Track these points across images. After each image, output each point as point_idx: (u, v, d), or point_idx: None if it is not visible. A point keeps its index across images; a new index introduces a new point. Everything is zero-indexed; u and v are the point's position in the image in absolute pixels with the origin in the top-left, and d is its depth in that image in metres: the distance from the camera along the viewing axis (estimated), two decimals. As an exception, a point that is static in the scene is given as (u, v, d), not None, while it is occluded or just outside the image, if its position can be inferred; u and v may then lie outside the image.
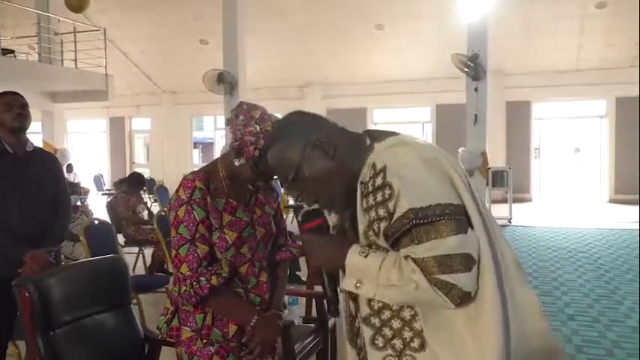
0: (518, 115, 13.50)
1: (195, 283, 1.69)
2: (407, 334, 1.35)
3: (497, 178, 10.04)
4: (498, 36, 10.25)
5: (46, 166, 2.84)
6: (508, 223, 9.63)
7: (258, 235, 1.85)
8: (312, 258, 1.43)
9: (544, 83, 12.91)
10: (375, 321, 1.38)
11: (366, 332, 1.40)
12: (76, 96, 12.14)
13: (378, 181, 1.32)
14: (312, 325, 3.07)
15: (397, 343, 1.36)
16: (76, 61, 11.53)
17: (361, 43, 12.96)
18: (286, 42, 12.98)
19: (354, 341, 1.48)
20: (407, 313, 1.35)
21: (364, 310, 1.40)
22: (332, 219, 1.52)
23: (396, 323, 1.36)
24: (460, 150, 9.42)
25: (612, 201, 12.84)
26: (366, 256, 1.33)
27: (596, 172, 13.70)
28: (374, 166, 1.34)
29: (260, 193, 1.90)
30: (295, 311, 3.42)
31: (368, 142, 1.41)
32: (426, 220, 1.25)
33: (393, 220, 1.28)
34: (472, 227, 1.30)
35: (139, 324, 2.34)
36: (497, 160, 12.03)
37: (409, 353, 1.34)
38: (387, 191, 1.30)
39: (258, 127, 1.71)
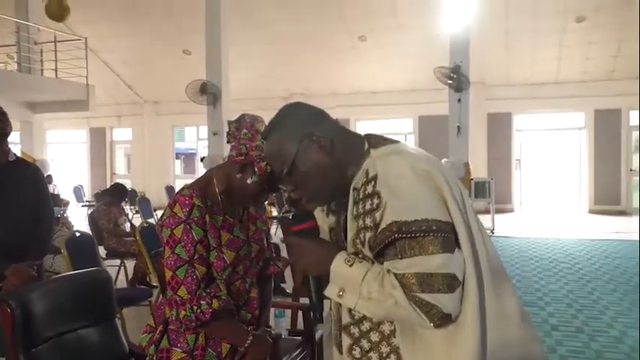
0: (499, 127, 13.66)
1: (195, 307, 1.62)
2: (384, 349, 1.33)
3: (480, 189, 10.12)
4: (479, 48, 10.37)
5: (29, 177, 2.78)
6: (491, 234, 9.69)
7: (252, 252, 1.81)
8: (298, 261, 1.39)
9: (524, 95, 13.10)
10: (355, 331, 1.37)
11: (345, 341, 1.39)
12: (56, 106, 11.97)
13: (369, 189, 1.30)
14: (299, 338, 3.04)
15: (373, 356, 1.34)
16: (56, 70, 11.39)
17: (344, 55, 13.03)
18: (269, 53, 13.00)
19: (340, 346, 1.45)
20: (386, 328, 1.32)
21: (345, 318, 1.38)
22: (329, 220, 1.50)
23: (374, 336, 1.34)
24: (443, 161, 9.47)
25: (592, 211, 13.02)
26: (350, 265, 1.29)
27: (575, 182, 13.88)
28: (367, 172, 1.32)
29: (252, 208, 1.86)
30: (282, 324, 3.39)
31: (366, 146, 1.38)
32: (409, 235, 1.22)
33: (378, 231, 1.26)
34: (459, 246, 1.26)
35: (124, 339, 2.29)
36: (479, 171, 12.15)
37: None
38: (376, 201, 1.27)
39: (265, 141, 1.68)
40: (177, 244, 1.63)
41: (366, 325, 1.35)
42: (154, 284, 5.49)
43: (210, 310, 1.63)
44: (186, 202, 1.66)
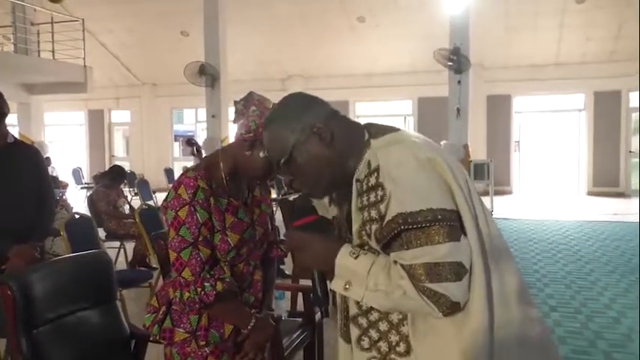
0: (498, 109, 13.61)
1: (199, 289, 1.62)
2: (393, 338, 1.33)
3: (479, 171, 10.12)
4: (479, 30, 10.29)
5: (28, 159, 2.76)
6: (489, 216, 9.69)
7: (257, 235, 1.81)
8: (301, 257, 1.38)
9: (524, 77, 13.03)
10: (363, 321, 1.37)
11: (353, 331, 1.39)
12: (53, 88, 11.91)
13: (372, 180, 1.29)
14: (300, 320, 3.05)
15: (383, 345, 1.34)
16: (53, 52, 11.31)
17: (343, 36, 12.93)
18: (268, 34, 12.89)
19: (347, 336, 1.46)
20: (395, 317, 1.32)
21: (352, 310, 1.38)
22: (332, 210, 1.49)
23: (383, 325, 1.34)
24: (442, 143, 9.47)
25: (590, 193, 13.03)
26: (356, 258, 1.29)
27: (574, 164, 13.88)
28: (369, 164, 1.31)
29: (256, 191, 1.85)
30: (282, 305, 3.40)
31: (366, 136, 1.37)
32: (415, 226, 1.21)
33: (384, 223, 1.25)
34: (465, 233, 1.25)
35: (125, 320, 2.30)
36: (478, 153, 12.13)
37: (394, 357, 1.33)
38: (380, 193, 1.26)
39: None
40: (181, 225, 1.63)
41: (374, 315, 1.35)
42: (154, 266, 5.51)
43: (214, 293, 1.63)
44: (191, 183, 1.65)
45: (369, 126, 1.40)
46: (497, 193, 11.16)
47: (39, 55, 11.57)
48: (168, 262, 2.55)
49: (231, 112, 11.51)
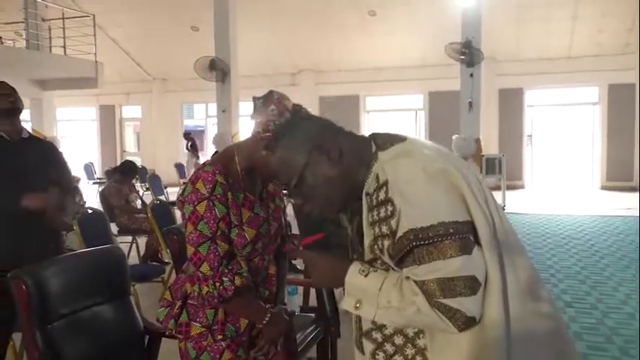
0: (510, 103, 13.49)
1: (218, 284, 1.62)
2: (409, 351, 1.31)
3: (491, 166, 10.04)
4: (491, 23, 10.19)
5: (43, 154, 2.77)
6: (502, 211, 9.62)
7: (272, 230, 1.80)
8: (311, 277, 1.38)
9: (536, 70, 12.89)
10: (378, 336, 1.35)
11: (367, 346, 1.37)
12: (65, 83, 11.96)
13: (381, 195, 1.26)
14: (312, 315, 3.04)
15: (399, 359, 1.32)
16: (64, 47, 11.35)
17: (353, 30, 12.87)
18: (278, 29, 12.85)
19: (360, 346, 1.44)
20: (410, 330, 1.31)
21: (366, 325, 1.37)
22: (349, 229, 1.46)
23: (398, 339, 1.32)
24: (454, 137, 9.41)
25: (604, 188, 12.90)
26: (366, 275, 1.27)
27: (588, 158, 13.74)
28: (377, 177, 1.29)
29: (270, 186, 1.85)
30: (294, 300, 3.39)
31: (373, 148, 1.34)
32: (427, 241, 1.19)
33: (396, 239, 1.22)
34: (479, 244, 1.23)
35: (138, 315, 2.29)
36: (490, 147, 12.04)
37: None
38: (390, 208, 1.24)
39: None
40: (199, 220, 1.62)
41: (389, 330, 1.33)
42: (166, 261, 5.52)
43: (233, 287, 1.63)
44: (209, 178, 1.64)
45: (375, 137, 1.37)
46: (509, 187, 11.08)
47: (50, 51, 11.62)
48: (181, 256, 2.55)
49: (242, 107, 11.50)
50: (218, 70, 10.16)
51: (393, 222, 1.23)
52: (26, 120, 12.29)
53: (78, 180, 10.78)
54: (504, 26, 11.68)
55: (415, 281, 1.20)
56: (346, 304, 1.31)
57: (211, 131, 15.05)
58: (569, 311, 4.33)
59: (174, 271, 4.38)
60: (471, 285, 1.18)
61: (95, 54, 11.48)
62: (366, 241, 1.31)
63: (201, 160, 14.14)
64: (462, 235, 1.19)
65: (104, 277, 2.18)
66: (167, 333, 1.79)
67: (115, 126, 17.14)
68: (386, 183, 1.25)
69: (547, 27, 11.99)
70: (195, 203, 1.63)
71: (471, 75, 9.12)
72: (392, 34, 12.70)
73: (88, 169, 13.65)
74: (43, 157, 2.73)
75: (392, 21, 12.42)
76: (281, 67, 14.19)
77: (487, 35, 9.75)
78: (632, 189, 12.50)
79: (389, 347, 1.33)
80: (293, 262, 5.50)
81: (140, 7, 13.00)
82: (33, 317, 1.91)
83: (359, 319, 1.40)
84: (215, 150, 10.35)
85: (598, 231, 7.71)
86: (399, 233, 1.21)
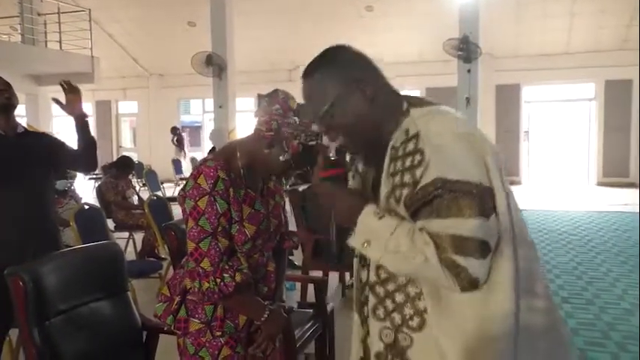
0: (508, 99, 13.50)
1: (219, 280, 1.61)
2: (407, 311, 1.30)
3: (488, 162, 10.02)
4: (488, 19, 10.16)
5: (40, 148, 2.74)
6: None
7: (271, 226, 1.80)
8: (324, 210, 1.37)
9: (534, 66, 12.89)
10: (380, 290, 1.35)
11: (370, 300, 1.37)
12: (60, 78, 11.75)
13: (410, 146, 1.26)
14: (310, 311, 3.03)
15: (396, 317, 1.32)
16: (60, 42, 11.29)
17: (350, 25, 12.82)
18: (275, 24, 12.81)
19: (361, 310, 1.45)
20: (412, 290, 1.30)
21: (372, 277, 1.36)
22: (354, 183, 1.48)
23: (399, 297, 1.32)
24: (451, 133, 9.39)
25: (600, 184, 12.93)
26: (380, 218, 1.27)
27: (584, 154, 13.77)
28: (407, 131, 1.29)
29: (271, 183, 1.84)
30: (292, 296, 3.38)
31: (405, 106, 1.35)
32: (451, 194, 1.19)
33: (418, 187, 1.22)
34: (496, 212, 1.23)
35: (136, 311, 2.28)
36: (487, 143, 12.02)
37: (406, 331, 1.30)
38: (417, 157, 1.24)
39: (297, 118, 1.63)
40: (201, 215, 1.61)
41: (391, 286, 1.33)
42: (163, 256, 5.51)
43: (234, 283, 1.62)
44: (211, 173, 1.63)
45: (408, 97, 1.39)
46: (506, 183, 11.06)
47: (46, 46, 11.56)
48: (178, 252, 2.54)
49: (238, 102, 11.42)
50: (215, 65, 10.10)
51: (418, 171, 1.23)
52: (21, 115, 12.23)
53: (74, 176, 10.76)
54: (502, 22, 11.66)
55: (429, 233, 1.20)
56: (354, 242, 1.30)
57: (208, 127, 15.01)
58: (566, 307, 4.34)
59: (171, 267, 4.37)
60: (482, 249, 1.19)
61: (91, 49, 11.42)
62: (383, 192, 1.30)
63: (188, 155, 14.11)
64: (483, 199, 1.20)
65: (102, 274, 2.17)
66: (165, 328, 1.79)
67: (112, 121, 17.08)
68: (416, 135, 1.26)
69: (544, 23, 11.99)
70: (197, 199, 1.62)
71: (469, 71, 9.10)
72: (389, 30, 12.67)
73: (84, 164, 13.57)
74: (39, 152, 2.71)
75: (389, 17, 12.39)
76: (278, 63, 14.15)
77: (484, 31, 9.72)
78: (628, 185, 12.54)
79: (389, 303, 1.33)
80: (290, 257, 5.51)
81: (137, 2, 12.94)
82: (30, 314, 1.89)
83: (360, 278, 1.41)
84: (212, 146, 10.33)
85: (595, 227, 7.73)
86: (425, 181, 1.21)
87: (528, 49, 12.74)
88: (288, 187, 8.60)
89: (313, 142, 1.64)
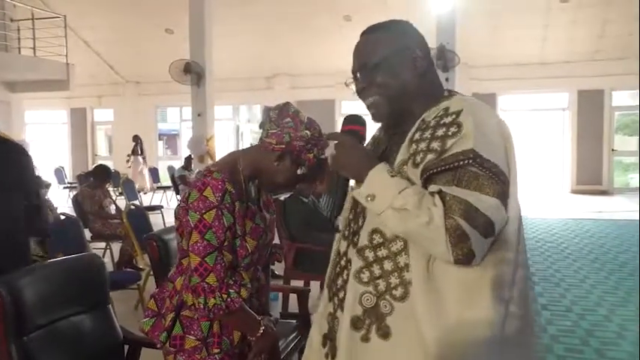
0: (484, 107, 13.66)
1: (225, 295, 1.57)
2: (393, 280, 1.29)
3: (465, 170, 10.13)
4: (464, 29, 10.29)
5: (13, 157, 2.65)
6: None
7: (267, 240, 1.78)
8: (338, 158, 1.35)
9: (509, 76, 13.10)
10: (370, 254, 1.33)
11: (355, 263, 1.35)
12: (34, 86, 11.69)
13: (447, 119, 1.28)
14: (294, 322, 3.01)
15: (381, 284, 1.31)
16: (34, 49, 11.10)
17: (329, 34, 12.88)
18: (254, 32, 12.79)
19: (333, 283, 1.44)
20: (402, 260, 1.29)
21: (362, 241, 1.35)
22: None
23: (387, 265, 1.31)
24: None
25: (574, 191, 13.16)
26: (392, 176, 1.27)
27: (558, 163, 14.00)
28: (446, 109, 1.31)
29: (264, 195, 1.81)
30: (275, 307, 3.35)
31: (446, 93, 1.41)
32: (479, 168, 1.21)
33: (447, 154, 1.22)
34: (506, 209, 1.26)
35: (117, 324, 2.23)
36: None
37: (388, 299, 1.30)
38: (453, 129, 1.25)
39: (308, 132, 1.61)
40: (207, 229, 1.56)
41: (382, 252, 1.32)
42: (141, 267, 5.42)
43: (240, 299, 1.59)
44: (219, 186, 1.58)
45: (449, 89, 1.45)
46: (483, 191, 11.18)
47: (19, 52, 11.35)
48: (160, 263, 2.50)
49: (217, 110, 11.38)
50: (193, 73, 10.03)
51: (450, 141, 1.23)
52: (-6, 123, 11.97)
53: (48, 185, 10.56)
54: (478, 32, 11.82)
55: (444, 194, 1.21)
56: (359, 194, 1.30)
57: (186, 135, 14.89)
58: (545, 314, 4.39)
59: (151, 277, 4.30)
60: (488, 228, 1.20)
61: (66, 56, 11.26)
62: (398, 159, 1.31)
63: (146, 163, 13.96)
64: (504, 187, 1.24)
65: (83, 286, 2.12)
66: (159, 346, 1.72)
67: (87, 129, 16.83)
68: (459, 112, 1.27)
69: (519, 34, 12.19)
70: (203, 211, 1.56)
71: (447, 79, 9.19)
72: (367, 38, 12.74)
73: (59, 173, 13.36)
74: (12, 162, 2.61)
75: (367, 26, 12.45)
76: (256, 70, 14.13)
77: (461, 41, 9.84)
78: (601, 192, 12.79)
79: (376, 269, 1.32)
80: (271, 267, 5.47)
81: (113, 8, 12.80)
82: (8, 329, 1.83)
83: (347, 242, 1.41)
84: (189, 154, 10.24)
85: (570, 234, 7.85)
86: (457, 149, 1.22)
87: (504, 59, 12.94)
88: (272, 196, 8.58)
89: (324, 156, 1.64)
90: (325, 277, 1.52)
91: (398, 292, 1.28)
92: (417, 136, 1.30)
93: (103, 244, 6.04)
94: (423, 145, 1.27)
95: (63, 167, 14.00)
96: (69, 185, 12.83)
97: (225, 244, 1.58)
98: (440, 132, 1.26)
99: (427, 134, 1.28)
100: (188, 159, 10.04)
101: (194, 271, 1.58)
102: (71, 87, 11.48)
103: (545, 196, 12.77)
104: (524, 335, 1.33)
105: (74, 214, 5.58)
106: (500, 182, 1.22)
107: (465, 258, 1.19)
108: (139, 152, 13.94)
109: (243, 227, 1.64)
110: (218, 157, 10.30)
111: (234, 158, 1.70)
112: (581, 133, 13.20)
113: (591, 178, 13.14)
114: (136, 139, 14.11)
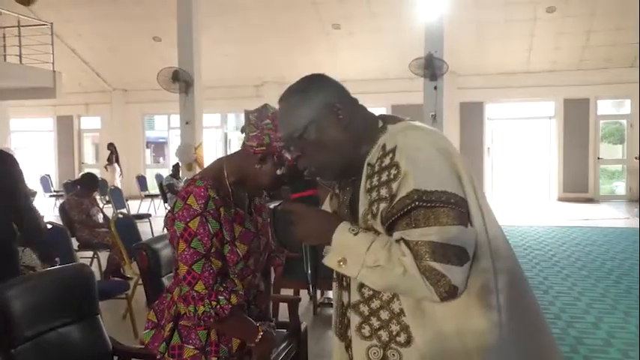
0: (471, 116, 13.77)
1: (214, 302, 1.57)
2: (394, 327, 1.30)
3: (453, 178, 10.16)
4: (452, 38, 10.39)
5: (4, 169, 2.63)
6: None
7: (261, 245, 1.76)
8: (297, 230, 1.35)
9: (496, 85, 13.22)
10: (364, 309, 1.34)
11: (354, 320, 1.36)
12: (20, 93, 11.59)
13: (386, 161, 1.28)
14: (285, 331, 2.99)
15: (383, 334, 1.31)
16: (20, 56, 11.00)
17: (317, 43, 12.93)
18: (242, 41, 12.80)
19: (342, 334, 1.44)
20: (396, 306, 1.29)
21: (354, 297, 1.35)
22: (333, 205, 1.48)
23: (384, 314, 1.31)
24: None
25: (561, 199, 13.27)
26: (355, 234, 1.27)
27: (545, 171, 14.12)
28: (384, 147, 1.30)
29: (256, 200, 1.81)
30: (265, 316, 3.31)
31: (380, 124, 1.37)
32: (428, 204, 1.20)
33: (395, 200, 1.23)
34: (472, 224, 1.25)
35: (107, 335, 2.20)
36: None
37: (394, 347, 1.30)
38: (393, 171, 1.25)
39: None
40: (193, 237, 1.57)
41: (375, 303, 1.32)
42: (129, 276, 5.37)
43: (229, 306, 1.59)
44: (202, 193, 1.59)
45: (383, 116, 1.41)
46: (471, 199, 11.24)
47: (5, 60, 11.25)
48: (149, 272, 2.48)
49: (205, 118, 11.34)
50: (181, 81, 10.02)
51: (394, 185, 1.24)
52: (-21, 131, 11.85)
53: (34, 193, 10.46)
54: (465, 42, 11.93)
55: (407, 242, 1.21)
56: (329, 261, 1.30)
57: (174, 143, 14.82)
58: (534, 322, 4.40)
59: (139, 287, 4.26)
60: (461, 256, 1.19)
61: (53, 63, 11.18)
62: (361, 210, 1.31)
63: (120, 171, 13.86)
64: (461, 209, 1.22)
65: (71, 297, 2.10)
66: (158, 357, 1.71)
67: (74, 137, 16.69)
68: (394, 149, 1.27)
69: (506, 43, 12.33)
70: (188, 220, 1.57)
71: (435, 88, 9.26)
72: (355, 47, 12.82)
73: (45, 181, 13.23)
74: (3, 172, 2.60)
75: (356, 34, 12.54)
76: (244, 78, 14.13)
77: (449, 50, 9.93)
78: (587, 200, 12.92)
79: (374, 321, 1.32)
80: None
81: (100, 16, 12.74)
82: (-5, 341, 1.81)
83: (341, 299, 1.41)
84: (176, 162, 10.19)
85: (557, 242, 7.90)
86: (402, 194, 1.22)
87: (491, 69, 13.07)
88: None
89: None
90: (332, 324, 1.51)
91: (402, 338, 1.29)
92: (368, 184, 1.30)
93: (90, 253, 5.98)
94: (375, 195, 1.27)
95: (49, 175, 13.87)
96: (55, 194, 12.70)
97: (213, 250, 1.59)
98: (384, 177, 1.27)
99: (375, 181, 1.28)
100: (176, 167, 9.99)
101: (183, 280, 1.59)
102: (58, 95, 11.39)
103: (532, 203, 12.88)
104: (520, 341, 1.32)
105: (61, 223, 5.52)
106: (454, 206, 1.21)
107: (449, 294, 1.20)
108: (115, 160, 13.83)
109: (232, 232, 1.64)
110: (206, 164, 10.28)
111: (220, 164, 1.71)
112: (568, 142, 13.34)
113: (577, 186, 13.27)
114: (111, 147, 14.05)
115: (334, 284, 1.47)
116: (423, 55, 9.30)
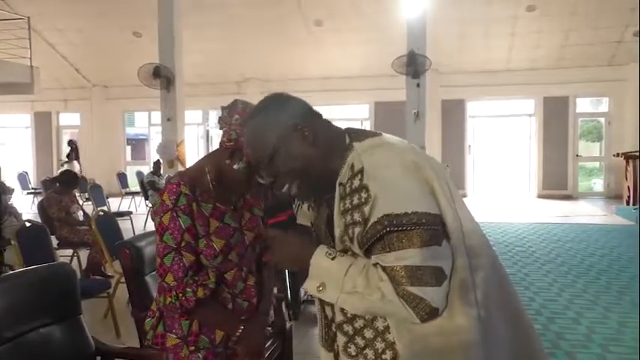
0: (453, 113, 13.86)
1: (180, 294, 1.64)
2: (379, 345, 1.30)
3: (435, 175, 10.22)
4: (434, 36, 10.43)
5: None
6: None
7: (247, 239, 1.77)
8: (274, 255, 1.36)
9: (477, 82, 13.32)
10: (349, 329, 1.34)
11: (340, 339, 1.36)
12: (-3, 88, 11.35)
13: (356, 183, 1.26)
14: (270, 329, 2.97)
15: (369, 353, 1.31)
16: (-4, 51, 10.78)
17: (300, 39, 12.89)
18: (223, 37, 12.70)
19: (330, 345, 1.43)
20: (380, 324, 1.30)
21: (338, 317, 1.36)
22: (310, 216, 1.47)
23: (368, 333, 1.31)
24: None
25: (540, 196, 13.43)
26: (332, 259, 1.27)
27: (525, 168, 14.28)
28: (352, 166, 1.29)
29: (247, 195, 1.81)
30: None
31: (347, 140, 1.35)
32: (400, 228, 1.19)
33: (368, 225, 1.22)
34: (448, 238, 1.25)
35: (89, 335, 2.17)
36: (433, 156, 12.26)
37: None
38: (364, 195, 1.24)
39: None
40: (165, 231, 1.63)
41: (359, 323, 1.32)
42: (110, 274, 5.31)
43: (194, 298, 1.64)
44: (174, 189, 1.65)
45: (349, 130, 1.39)
46: (452, 196, 11.32)
47: (-20, 54, 11.02)
48: (132, 270, 2.45)
49: (187, 115, 11.25)
50: (163, 77, 9.91)
51: (366, 209, 1.23)
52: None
53: (12, 191, 10.26)
54: (447, 39, 12.00)
55: (383, 267, 1.21)
56: (309, 286, 1.30)
57: (155, 140, 14.68)
58: (516, 317, 4.44)
59: (121, 285, 4.21)
60: (437, 276, 1.19)
61: (30, 58, 10.97)
62: (337, 232, 1.30)
63: (80, 167, 13.67)
64: (433, 227, 1.21)
65: (52, 297, 2.06)
66: (145, 343, 1.79)
67: (52, 134, 16.43)
68: (361, 170, 1.26)
69: (487, 42, 12.43)
70: (161, 215, 1.64)
71: (418, 85, 9.29)
72: (338, 44, 12.81)
73: (22, 178, 13.01)
74: None
75: (338, 31, 12.53)
76: (226, 75, 14.04)
77: (431, 47, 9.97)
78: (565, 197, 13.10)
79: (359, 340, 1.32)
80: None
81: (79, 10, 12.54)
82: (-26, 342, 1.77)
83: (325, 314, 1.40)
84: (157, 159, 10.09)
85: (538, 238, 8.00)
86: (373, 219, 1.21)
87: (472, 66, 13.17)
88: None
89: None
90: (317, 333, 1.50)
91: (387, 356, 1.29)
92: (342, 206, 1.29)
93: (69, 252, 5.89)
94: (349, 218, 1.27)
95: (26, 172, 13.65)
96: (33, 191, 12.50)
97: (183, 244, 1.63)
98: (355, 199, 1.26)
99: (348, 203, 1.27)
100: (157, 164, 9.88)
101: (157, 272, 1.68)
102: (36, 90, 11.18)
103: (512, 200, 13.01)
104: (502, 335, 1.33)
105: (40, 221, 5.43)
106: (426, 226, 1.20)
107: (429, 315, 1.20)
108: (75, 157, 13.63)
109: (206, 227, 1.67)
110: (188, 161, 10.20)
111: (203, 161, 1.76)
112: (547, 139, 13.50)
113: (557, 183, 13.44)
114: (72, 143, 13.86)
115: (316, 299, 1.44)
116: (405, 52, 9.32)
